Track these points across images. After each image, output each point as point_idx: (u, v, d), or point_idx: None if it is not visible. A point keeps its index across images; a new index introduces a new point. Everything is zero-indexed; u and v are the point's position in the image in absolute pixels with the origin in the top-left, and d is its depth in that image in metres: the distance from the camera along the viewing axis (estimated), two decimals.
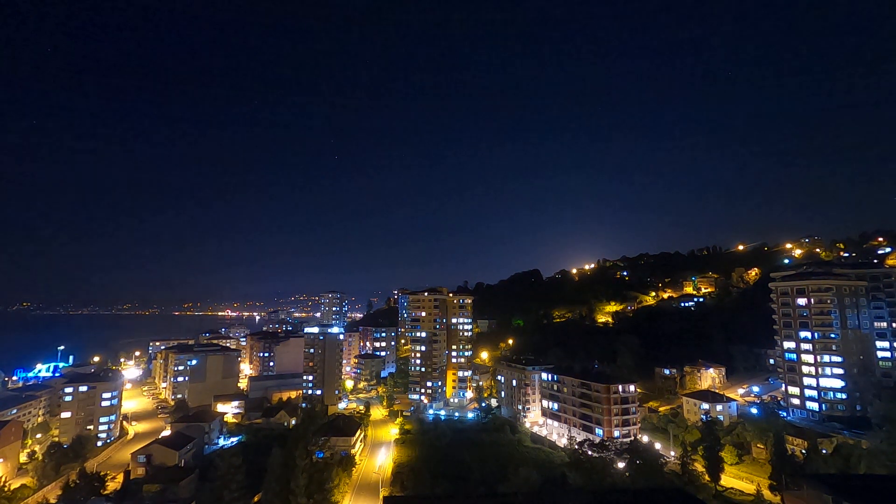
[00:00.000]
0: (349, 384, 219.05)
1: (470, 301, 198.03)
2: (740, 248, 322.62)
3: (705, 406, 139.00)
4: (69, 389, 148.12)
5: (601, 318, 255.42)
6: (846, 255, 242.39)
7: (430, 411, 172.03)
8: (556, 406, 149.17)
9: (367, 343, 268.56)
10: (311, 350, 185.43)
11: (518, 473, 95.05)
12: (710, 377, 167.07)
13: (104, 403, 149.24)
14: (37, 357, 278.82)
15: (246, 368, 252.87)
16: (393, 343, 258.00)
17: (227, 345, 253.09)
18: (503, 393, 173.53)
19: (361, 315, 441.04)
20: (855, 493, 46.92)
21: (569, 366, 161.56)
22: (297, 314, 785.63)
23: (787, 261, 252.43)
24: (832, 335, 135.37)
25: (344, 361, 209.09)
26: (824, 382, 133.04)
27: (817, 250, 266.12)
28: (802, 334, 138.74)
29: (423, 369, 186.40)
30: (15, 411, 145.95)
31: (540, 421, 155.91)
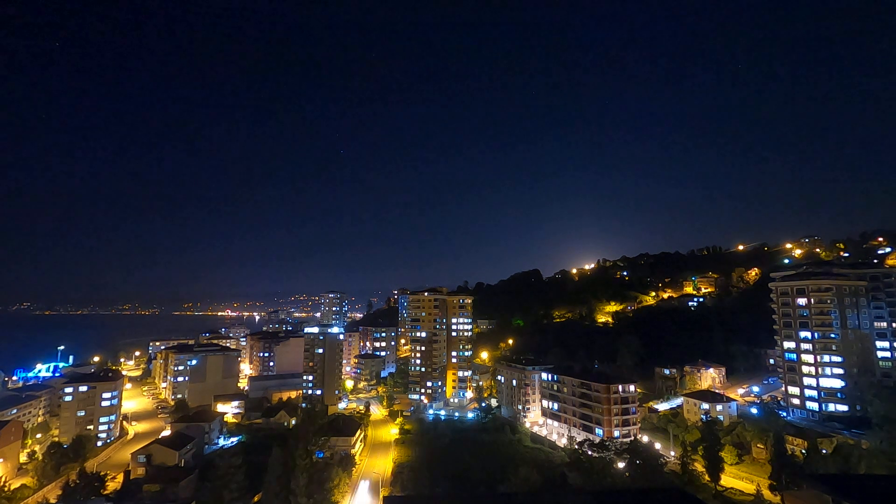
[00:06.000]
0: (349, 384, 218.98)
1: (470, 301, 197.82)
2: (740, 248, 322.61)
3: (705, 406, 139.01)
4: (69, 389, 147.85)
5: (601, 318, 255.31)
6: (846, 255, 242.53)
7: (430, 411, 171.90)
8: (556, 406, 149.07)
9: (367, 343, 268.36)
10: (311, 350, 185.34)
11: (518, 473, 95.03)
12: (710, 377, 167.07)
13: (104, 403, 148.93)
14: (37, 357, 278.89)
15: (246, 368, 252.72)
16: (393, 343, 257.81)
17: (227, 345, 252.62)
18: (503, 393, 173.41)
19: (361, 315, 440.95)
20: (855, 493, 46.84)
21: (569, 366, 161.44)
22: (297, 314, 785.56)
23: (787, 261, 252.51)
24: (832, 335, 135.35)
25: (344, 361, 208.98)
26: (824, 382, 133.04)
27: (817, 250, 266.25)
28: (802, 334, 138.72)
29: (423, 369, 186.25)
30: (15, 411, 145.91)
31: (540, 421, 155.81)
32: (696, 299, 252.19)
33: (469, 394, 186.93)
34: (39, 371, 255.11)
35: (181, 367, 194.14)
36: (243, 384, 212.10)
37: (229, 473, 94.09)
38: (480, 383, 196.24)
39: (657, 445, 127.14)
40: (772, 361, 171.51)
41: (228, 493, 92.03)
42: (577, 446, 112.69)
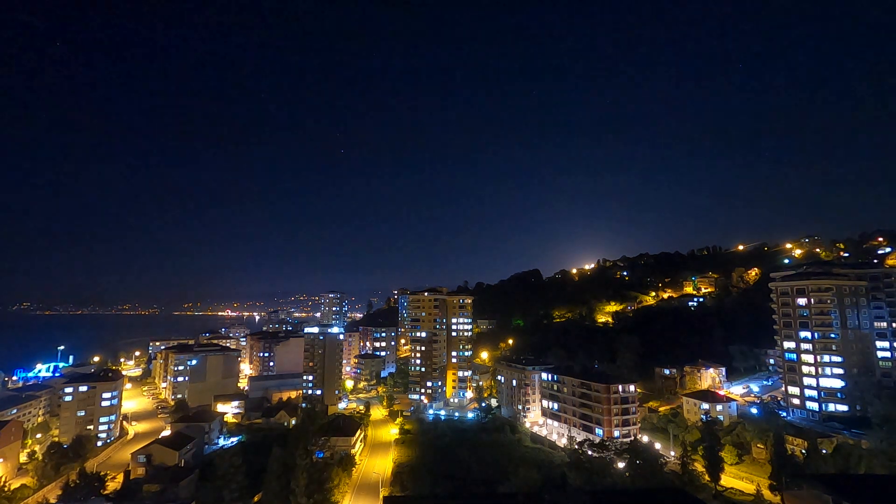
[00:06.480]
0: (349, 384, 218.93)
1: (470, 301, 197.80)
2: (740, 248, 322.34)
3: (705, 406, 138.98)
4: (69, 389, 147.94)
5: (601, 318, 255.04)
6: (846, 255, 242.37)
7: (430, 411, 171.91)
8: (556, 406, 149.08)
9: (367, 343, 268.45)
10: (311, 350, 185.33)
11: (518, 473, 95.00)
12: (710, 377, 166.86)
13: (104, 403, 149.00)
14: (37, 357, 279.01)
15: (246, 368, 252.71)
16: (393, 343, 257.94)
17: (227, 345, 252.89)
18: (503, 393, 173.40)
19: (361, 315, 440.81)
20: (855, 493, 46.91)
21: (569, 366, 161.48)
22: (297, 314, 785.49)
23: (787, 261, 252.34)
24: (832, 335, 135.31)
25: (344, 361, 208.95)
26: (824, 382, 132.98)
27: (817, 250, 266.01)
28: (802, 334, 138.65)
29: (423, 369, 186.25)
30: (15, 411, 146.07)
31: (540, 421, 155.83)
32: (696, 299, 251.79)
33: (469, 394, 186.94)
34: (39, 371, 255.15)
35: (181, 367, 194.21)
36: (243, 384, 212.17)
37: (229, 473, 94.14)
38: (480, 383, 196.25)
39: (657, 445, 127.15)
40: (772, 361, 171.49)
41: (228, 493, 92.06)
42: (577, 446, 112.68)
